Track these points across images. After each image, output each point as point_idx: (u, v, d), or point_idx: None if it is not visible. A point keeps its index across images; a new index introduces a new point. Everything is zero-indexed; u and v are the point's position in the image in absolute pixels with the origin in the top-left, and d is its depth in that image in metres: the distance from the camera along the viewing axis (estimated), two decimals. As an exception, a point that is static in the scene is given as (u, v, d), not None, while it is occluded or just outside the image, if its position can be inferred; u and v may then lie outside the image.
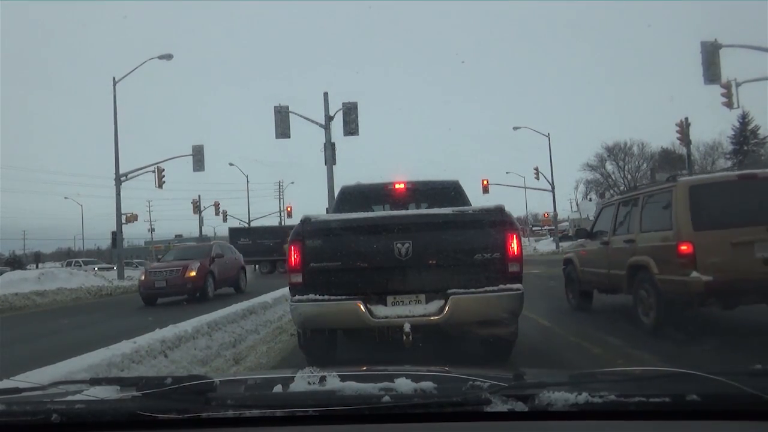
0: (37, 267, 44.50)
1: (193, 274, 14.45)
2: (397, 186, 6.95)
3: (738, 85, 19.22)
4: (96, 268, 34.31)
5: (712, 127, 57.08)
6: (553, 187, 39.77)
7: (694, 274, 5.85)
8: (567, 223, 56.47)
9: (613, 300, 8.37)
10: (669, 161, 46.94)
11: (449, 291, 4.56)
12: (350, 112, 21.78)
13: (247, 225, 46.29)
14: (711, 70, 18.63)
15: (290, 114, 22.49)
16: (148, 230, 70.86)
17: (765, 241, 5.83)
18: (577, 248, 9.37)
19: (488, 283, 4.57)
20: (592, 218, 14.65)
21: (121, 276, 26.70)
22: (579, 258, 9.01)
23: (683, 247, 6.00)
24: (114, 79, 25.67)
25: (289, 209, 48.95)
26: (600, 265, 7.97)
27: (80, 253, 66.33)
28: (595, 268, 8.20)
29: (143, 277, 15.18)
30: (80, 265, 37.81)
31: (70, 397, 1.40)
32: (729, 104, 19.49)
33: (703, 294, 5.88)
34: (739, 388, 1.23)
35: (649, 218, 6.89)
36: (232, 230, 36.35)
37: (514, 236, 4.68)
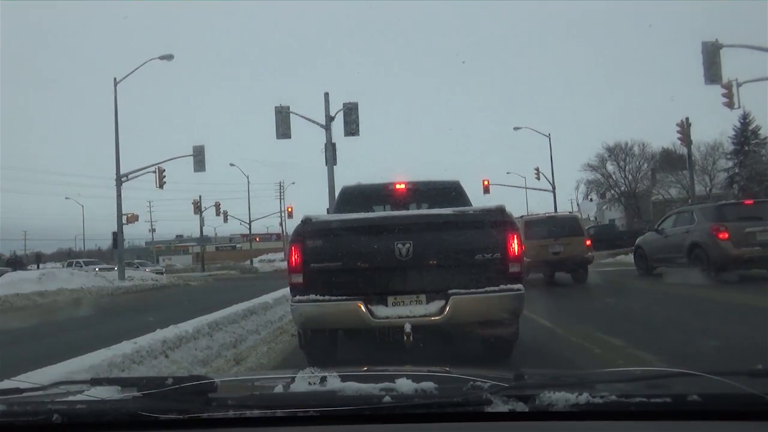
0: (38, 267, 44.40)
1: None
2: (397, 186, 6.93)
3: (739, 85, 19.15)
4: (97, 269, 34.15)
5: (713, 128, 56.85)
6: (553, 188, 39.65)
7: (526, 258, 13.39)
8: (568, 224, 56.04)
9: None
10: (670, 161, 46.63)
11: (450, 291, 4.54)
12: (351, 112, 21.79)
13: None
14: (712, 70, 18.59)
15: (291, 114, 22.50)
16: (149, 231, 71.26)
17: (552, 245, 14.01)
18: None
19: (489, 284, 4.56)
20: (591, 218, 20.57)
21: (121, 276, 26.70)
22: None
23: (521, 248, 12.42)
24: (115, 79, 25.72)
25: (290, 210, 49.01)
26: None
27: (81, 254, 66.21)
28: None
29: None
30: (81, 266, 37.63)
31: (71, 398, 1.40)
32: (730, 104, 19.42)
33: (528, 266, 12.40)
34: (740, 388, 1.23)
35: None
36: None
37: (515, 236, 4.68)
